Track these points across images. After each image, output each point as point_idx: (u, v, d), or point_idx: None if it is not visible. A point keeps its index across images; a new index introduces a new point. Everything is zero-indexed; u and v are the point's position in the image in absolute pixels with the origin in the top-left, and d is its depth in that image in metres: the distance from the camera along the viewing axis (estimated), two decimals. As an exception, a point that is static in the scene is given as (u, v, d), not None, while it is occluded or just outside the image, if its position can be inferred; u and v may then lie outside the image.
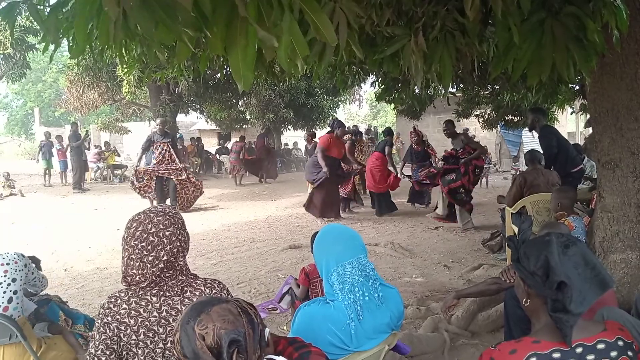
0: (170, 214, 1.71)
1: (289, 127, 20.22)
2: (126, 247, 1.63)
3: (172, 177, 9.49)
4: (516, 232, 4.94)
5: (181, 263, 1.70)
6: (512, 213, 5.00)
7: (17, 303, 2.42)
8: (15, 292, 2.42)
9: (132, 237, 1.63)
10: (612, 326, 1.38)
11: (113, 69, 13.81)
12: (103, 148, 18.82)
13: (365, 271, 1.87)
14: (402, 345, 2.20)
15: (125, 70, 10.86)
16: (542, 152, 5.67)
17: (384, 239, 6.82)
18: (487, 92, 9.23)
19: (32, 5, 2.16)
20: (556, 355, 1.30)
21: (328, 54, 2.12)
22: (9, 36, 14.40)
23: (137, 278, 1.62)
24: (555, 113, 10.74)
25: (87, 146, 17.00)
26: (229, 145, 23.53)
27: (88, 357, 1.61)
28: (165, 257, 1.63)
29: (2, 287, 2.40)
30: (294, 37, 1.51)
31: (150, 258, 1.61)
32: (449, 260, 5.64)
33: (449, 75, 2.76)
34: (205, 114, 18.99)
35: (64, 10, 2.23)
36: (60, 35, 2.39)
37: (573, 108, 12.55)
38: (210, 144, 26.06)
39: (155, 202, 9.79)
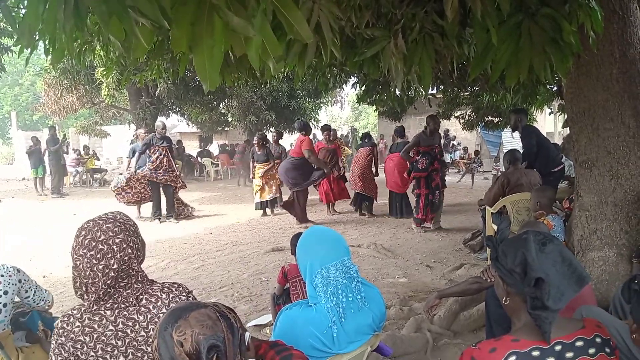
0: (120, 220, 1.65)
1: (271, 129, 20.17)
2: (75, 256, 1.57)
3: (169, 183, 9.04)
4: (495, 232, 4.99)
5: (136, 269, 1.64)
6: (492, 213, 5.05)
7: (5, 316, 2.37)
8: (4, 305, 2.37)
9: (80, 246, 1.57)
10: (590, 324, 1.40)
11: (92, 72, 13.61)
12: (82, 152, 18.54)
13: (349, 273, 1.87)
14: (384, 347, 2.20)
15: (104, 72, 10.72)
16: (523, 151, 5.74)
17: (367, 240, 6.84)
18: (467, 94, 9.33)
19: (5, 7, 2.12)
20: (535, 353, 1.31)
21: (309, 55, 2.11)
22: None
23: (89, 288, 1.56)
24: (534, 114, 10.89)
25: (66, 150, 16.72)
26: (211, 147, 23.44)
27: None
28: (115, 266, 1.56)
29: None
30: (265, 36, 1.48)
31: (100, 267, 1.55)
32: (431, 260, 5.67)
33: (428, 77, 2.77)
34: (186, 116, 18.86)
35: (39, 12, 2.18)
36: (37, 38, 2.34)
37: (551, 109, 12.74)
38: (192, 147, 25.87)
39: (139, 208, 9.62)
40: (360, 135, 13.05)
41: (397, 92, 7.22)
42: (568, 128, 4.30)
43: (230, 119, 19.67)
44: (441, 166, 7.65)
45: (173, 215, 9.22)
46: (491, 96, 8.75)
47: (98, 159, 19.33)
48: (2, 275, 2.41)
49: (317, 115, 20.58)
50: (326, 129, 9.72)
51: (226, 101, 17.91)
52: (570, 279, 1.36)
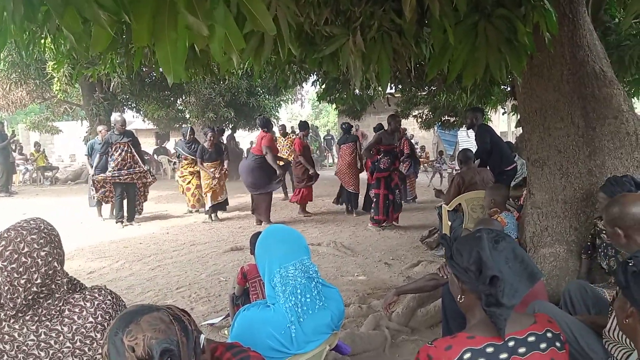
0: (45, 230, 1.54)
1: (230, 126, 19.95)
2: None
3: (135, 182, 8.37)
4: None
5: (58, 283, 1.54)
6: (448, 210, 5.14)
7: None
8: None
9: (0, 258, 1.45)
10: (541, 319, 1.43)
11: (42, 66, 13.08)
12: (26, 154, 17.83)
13: (308, 273, 1.85)
14: (342, 345, 2.20)
15: (55, 66, 10.32)
16: (476, 149, 5.88)
17: (327, 238, 6.85)
18: (424, 93, 9.48)
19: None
20: (490, 349, 1.33)
21: (267, 49, 2.08)
22: None
23: (6, 302, 1.46)
24: (489, 113, 11.18)
25: (14, 148, 16.03)
26: (168, 145, 22.99)
27: None
28: (39, 280, 1.47)
29: None
30: (229, 29, 1.45)
31: (22, 281, 1.45)
32: (390, 257, 5.73)
33: (386, 75, 2.79)
34: (142, 112, 18.39)
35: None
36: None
37: (505, 109, 13.10)
38: (148, 144, 25.27)
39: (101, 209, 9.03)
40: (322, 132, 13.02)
41: (357, 90, 7.26)
42: (521, 127, 4.43)
43: (187, 116, 19.32)
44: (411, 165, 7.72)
45: (133, 218, 8.59)
46: (448, 96, 8.92)
47: (46, 159, 18.56)
48: None
49: (277, 113, 20.46)
50: (305, 127, 9.39)
51: (184, 97, 17.55)
52: (522, 275, 1.39)
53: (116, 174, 8.14)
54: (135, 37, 1.41)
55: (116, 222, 8.44)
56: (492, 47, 2.50)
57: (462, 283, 1.43)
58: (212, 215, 8.67)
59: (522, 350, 1.34)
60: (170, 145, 23.26)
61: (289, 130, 15.68)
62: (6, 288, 1.45)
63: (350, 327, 3.52)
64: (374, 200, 7.44)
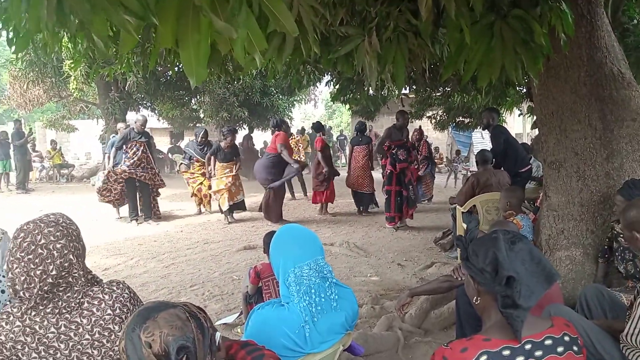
0: (63, 224, 1.57)
1: (244, 126, 20.03)
2: (12, 259, 1.50)
3: (148, 181, 8.39)
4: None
5: (76, 276, 1.57)
6: (462, 212, 5.11)
7: None
8: None
9: (18, 249, 1.49)
10: (558, 322, 1.42)
11: (59, 65, 13.26)
12: (43, 152, 18.11)
13: (323, 273, 1.86)
14: (356, 346, 2.20)
15: (72, 65, 10.42)
16: (491, 151, 5.84)
17: (340, 238, 6.85)
18: (439, 94, 9.43)
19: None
20: (506, 352, 1.32)
21: (288, 49, 2.09)
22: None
23: (24, 294, 1.49)
24: (504, 115, 11.08)
25: (32, 145, 16.28)
26: (182, 144, 23.15)
27: None
28: (54, 272, 1.50)
29: None
30: (251, 30, 1.46)
31: (37, 272, 1.48)
32: (403, 258, 5.72)
33: (402, 76, 2.78)
34: (156, 111, 18.54)
35: (2, 1, 2.11)
36: (-1, 27, 2.26)
37: (520, 110, 13.00)
38: (163, 143, 25.48)
39: (119, 208, 8.95)
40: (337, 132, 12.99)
41: (371, 91, 7.24)
42: (537, 129, 4.39)
43: (202, 115, 19.44)
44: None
45: (151, 216, 8.60)
46: (462, 97, 8.88)
47: (63, 156, 18.77)
48: (4, 277, 2.37)
49: (290, 113, 20.52)
50: (320, 128, 9.42)
51: (198, 97, 17.68)
52: (539, 277, 1.38)
53: (132, 170, 8.21)
54: (160, 39, 1.43)
55: (131, 220, 8.51)
56: (507, 48, 2.48)
57: (478, 284, 1.43)
58: (229, 216, 8.48)
59: (538, 353, 1.33)
60: (184, 144, 23.42)
61: (295, 130, 15.85)
62: (22, 278, 1.48)
63: (363, 328, 3.52)
64: (386, 197, 7.42)
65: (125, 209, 8.94)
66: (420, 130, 10.21)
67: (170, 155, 20.41)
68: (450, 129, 15.92)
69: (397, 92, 7.63)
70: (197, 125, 21.32)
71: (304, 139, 16.32)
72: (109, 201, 8.59)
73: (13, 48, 2.48)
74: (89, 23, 1.39)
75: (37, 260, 1.48)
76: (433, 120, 12.32)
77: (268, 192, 8.12)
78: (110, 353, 1.56)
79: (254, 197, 11.34)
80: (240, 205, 8.63)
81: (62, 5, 1.40)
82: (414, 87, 7.97)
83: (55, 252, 1.51)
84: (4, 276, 2.48)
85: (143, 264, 5.85)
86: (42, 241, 1.50)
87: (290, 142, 11.68)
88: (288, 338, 1.77)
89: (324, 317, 1.83)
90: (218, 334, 1.33)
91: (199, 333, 1.23)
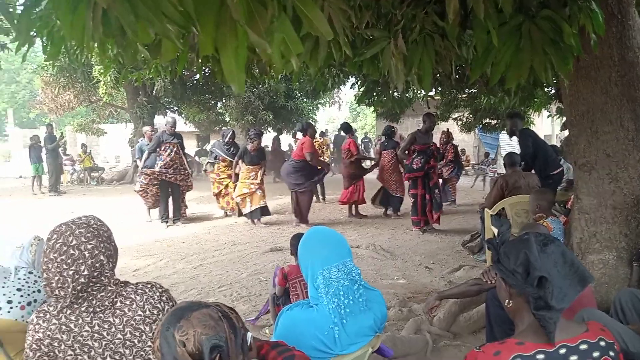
0: (94, 226, 1.62)
1: (269, 129, 20.19)
2: (45, 259, 1.55)
3: (179, 182, 8.54)
4: (495, 234, 5.00)
5: (108, 276, 1.62)
6: (491, 215, 5.05)
7: (33, 310, 2.38)
8: (35, 301, 2.39)
9: (51, 250, 1.55)
10: (594, 327, 1.39)
11: (89, 70, 13.59)
12: (73, 155, 18.56)
13: (351, 275, 1.86)
14: (385, 348, 2.20)
15: (102, 71, 10.65)
16: (520, 154, 5.76)
17: (366, 241, 6.84)
18: (464, 96, 9.34)
19: (2, 5, 2.11)
20: (540, 356, 1.30)
21: (322, 52, 2.10)
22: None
23: (58, 292, 1.54)
24: (532, 116, 10.91)
25: (64, 149, 16.70)
26: (208, 147, 23.46)
27: None
28: (86, 272, 1.55)
29: (32, 286, 2.40)
30: (287, 34, 1.48)
31: (70, 272, 1.53)
32: (430, 261, 5.68)
33: (428, 78, 2.77)
34: (183, 115, 18.82)
35: (36, 10, 2.18)
36: (34, 35, 2.33)
37: (549, 111, 12.76)
38: (190, 146, 25.81)
39: (150, 209, 9.12)
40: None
41: (396, 93, 7.22)
42: (567, 131, 4.31)
43: (227, 119, 19.66)
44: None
45: (180, 218, 8.74)
46: (489, 98, 8.77)
47: (92, 159, 19.19)
48: (41, 277, 2.46)
49: (314, 116, 20.59)
50: (349, 129, 9.41)
51: (224, 101, 17.89)
52: (572, 278, 1.36)
53: (163, 171, 8.32)
54: (200, 47, 1.46)
55: (161, 222, 8.64)
56: (536, 49, 2.45)
57: (510, 287, 1.42)
58: (255, 219, 8.47)
59: (573, 358, 1.31)
60: (209, 147, 23.71)
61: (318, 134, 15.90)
62: (56, 278, 1.53)
63: (390, 331, 3.51)
64: (412, 201, 7.37)
65: (155, 211, 9.10)
66: (447, 133, 10.11)
67: (197, 158, 20.68)
68: (476, 131, 15.74)
69: (422, 94, 7.62)
70: (223, 128, 21.59)
71: (325, 142, 16.41)
72: (147, 202, 8.78)
73: (47, 55, 2.57)
74: (134, 33, 1.43)
75: (69, 261, 1.54)
76: (459, 122, 12.21)
77: (295, 195, 8.16)
78: (142, 353, 1.59)
79: (279, 199, 11.42)
80: (264, 211, 8.57)
81: (107, 17, 1.44)
82: (440, 89, 7.91)
83: (86, 252, 1.56)
84: (39, 277, 2.57)
85: (172, 265, 5.94)
86: (74, 242, 1.55)
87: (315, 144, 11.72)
88: (317, 339, 1.78)
89: (353, 319, 1.83)
90: (249, 334, 1.35)
91: (231, 333, 1.25)
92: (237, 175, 8.59)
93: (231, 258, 6.20)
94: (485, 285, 2.75)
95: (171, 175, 8.40)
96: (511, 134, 6.06)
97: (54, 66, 13.86)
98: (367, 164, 10.49)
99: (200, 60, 3.81)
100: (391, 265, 5.61)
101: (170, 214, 8.79)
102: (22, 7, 2.15)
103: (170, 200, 8.76)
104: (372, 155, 23.00)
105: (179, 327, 1.22)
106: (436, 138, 8.81)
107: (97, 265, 1.57)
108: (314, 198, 11.08)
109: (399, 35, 2.70)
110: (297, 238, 3.35)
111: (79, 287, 1.54)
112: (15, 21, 2.13)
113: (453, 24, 2.50)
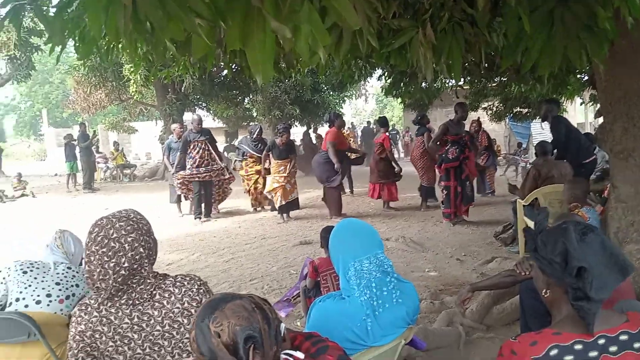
0: (134, 219, 1.66)
1: (296, 123, 20.24)
2: (88, 252, 1.60)
3: (212, 179, 8.55)
4: (528, 225, 4.91)
5: (147, 269, 1.65)
6: (524, 206, 4.96)
7: (71, 303, 2.47)
8: (74, 295, 2.49)
9: (93, 242, 1.59)
10: (634, 317, 1.36)
11: (119, 69, 13.86)
12: (106, 153, 19.01)
13: (383, 267, 1.86)
14: (418, 340, 2.19)
15: (132, 69, 10.84)
16: (552, 142, 5.64)
17: (395, 233, 6.80)
18: (494, 84, 9.17)
19: (37, 6, 2.16)
20: (578, 347, 1.28)
21: (346, 43, 2.09)
22: (12, 38, 14.53)
23: (99, 284, 1.58)
24: (564, 104, 10.64)
25: (96, 147, 17.11)
26: (235, 142, 23.70)
27: None
28: (126, 264, 1.58)
29: (71, 281, 2.50)
30: (314, 25, 1.48)
31: (111, 264, 1.57)
32: (461, 253, 5.61)
33: (458, 67, 2.74)
34: (211, 112, 19.01)
35: (68, 10, 2.23)
36: (66, 36, 2.38)
37: (582, 99, 12.44)
38: (218, 142, 26.10)
39: (180, 206, 9.35)
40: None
41: (424, 83, 7.13)
42: (601, 117, 4.19)
43: (255, 114, 19.79)
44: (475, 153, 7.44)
45: (210, 214, 8.79)
46: (520, 87, 8.59)
47: (125, 157, 19.61)
48: (78, 272, 2.57)
49: (341, 109, 20.54)
50: (385, 123, 9.21)
51: (251, 96, 18.00)
52: (612, 268, 1.33)
53: (195, 172, 8.31)
54: (228, 41, 1.47)
55: (195, 219, 8.72)
56: (570, 35, 2.39)
57: (548, 276, 1.39)
58: (284, 214, 8.37)
59: (613, 349, 1.28)
60: (237, 142, 23.93)
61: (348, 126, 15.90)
62: (98, 270, 1.57)
63: (422, 323, 3.49)
64: (444, 193, 7.25)
65: (185, 206, 9.25)
66: (478, 122, 9.97)
67: (226, 153, 20.91)
68: (507, 120, 15.45)
69: (451, 84, 7.49)
70: (251, 123, 21.77)
71: (351, 134, 16.38)
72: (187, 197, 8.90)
73: (79, 54, 2.63)
74: (163, 29, 1.45)
75: (110, 253, 1.57)
76: (489, 112, 12.00)
77: (325, 188, 8.20)
78: (180, 345, 1.63)
79: (308, 192, 11.44)
80: (294, 204, 8.51)
81: (137, 14, 1.47)
82: (469, 78, 7.78)
83: (126, 245, 1.59)
84: (77, 272, 2.64)
85: (204, 259, 6.04)
86: (115, 235, 1.59)
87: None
88: (350, 331, 1.78)
89: (386, 311, 1.83)
90: (283, 325, 1.36)
91: (265, 323, 1.26)
92: (267, 169, 8.53)
93: (261, 252, 6.26)
94: (519, 277, 2.70)
95: (204, 173, 8.38)
96: (544, 119, 5.93)
97: (86, 66, 14.17)
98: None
99: (228, 57, 3.84)
100: (421, 257, 5.57)
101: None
102: (54, 9, 2.20)
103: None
104: (400, 149, 22.86)
105: (213, 318, 1.24)
106: (466, 129, 8.62)
107: (137, 257, 1.61)
108: (346, 190, 11.09)
109: (428, 24, 2.66)
110: (327, 231, 3.35)
111: (119, 279, 1.58)
112: (49, 22, 2.18)
113: (483, 11, 2.46)
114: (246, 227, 8.07)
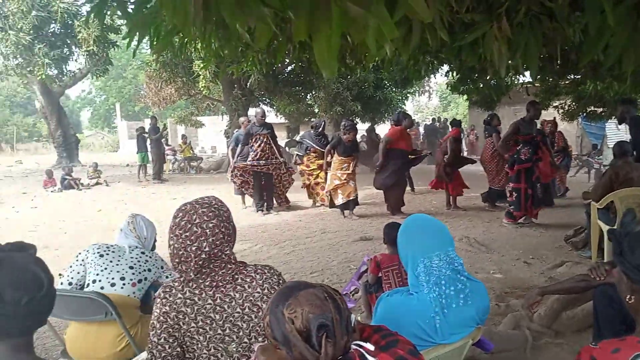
0: (215, 206, 1.72)
1: (357, 119, 20.20)
2: (171, 236, 1.67)
3: (272, 172, 8.69)
4: (602, 229, 4.67)
5: (227, 253, 1.71)
6: (598, 209, 4.73)
7: (142, 287, 2.63)
8: (146, 279, 2.65)
9: (177, 227, 1.66)
10: None
11: (189, 65, 14.33)
12: (174, 146, 19.78)
13: (453, 265, 1.83)
14: (485, 341, 2.15)
15: (202, 65, 11.21)
16: (632, 143, 5.33)
17: (459, 233, 6.65)
18: (567, 82, 8.76)
19: (120, 1, 2.27)
20: (665, 356, 1.21)
21: (415, 37, 2.07)
22: (92, 34, 15.34)
23: (181, 267, 1.66)
24: (644, 103, 10.02)
25: (166, 140, 17.81)
26: (297, 137, 23.96)
27: (150, 345, 1.67)
28: (207, 249, 1.65)
29: (143, 265, 2.66)
30: (382, 18, 1.47)
31: (193, 248, 1.64)
32: (529, 256, 5.42)
33: (535, 62, 2.64)
34: (275, 107, 19.32)
35: (148, 6, 2.33)
36: (145, 31, 2.49)
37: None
38: (280, 137, 26.47)
39: (244, 198, 9.49)
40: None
41: (493, 80, 6.92)
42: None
43: (316, 110, 19.93)
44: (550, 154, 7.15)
45: (272, 207, 8.96)
46: (595, 84, 8.15)
47: (192, 150, 20.29)
48: (151, 257, 2.74)
49: (403, 106, 20.30)
50: (459, 124, 9.17)
51: (313, 92, 18.13)
52: None
53: (255, 163, 8.49)
54: (294, 32, 1.48)
55: (257, 211, 8.91)
56: (657, 29, 2.25)
57: (633, 282, 1.32)
58: (345, 212, 8.31)
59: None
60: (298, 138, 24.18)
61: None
62: (180, 253, 1.65)
63: (487, 325, 3.40)
64: (514, 195, 6.96)
65: (249, 199, 9.44)
66: (554, 122, 9.55)
67: (287, 149, 21.20)
68: (579, 120, 14.74)
69: (520, 81, 7.22)
70: (312, 119, 21.95)
71: (414, 133, 16.17)
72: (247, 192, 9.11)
73: (154, 48, 2.73)
74: (231, 17, 1.47)
75: (192, 237, 1.65)
76: (560, 111, 11.49)
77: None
78: (257, 328, 1.68)
79: (368, 189, 11.39)
80: (354, 203, 8.38)
81: (207, 2, 1.51)
82: (540, 75, 7.47)
83: (208, 230, 1.66)
84: (150, 256, 2.76)
85: (266, 250, 6.17)
86: (197, 220, 1.66)
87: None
88: (418, 327, 1.77)
89: (455, 309, 1.80)
90: (353, 316, 1.38)
91: (337, 313, 1.28)
92: (328, 164, 8.54)
93: (322, 245, 6.31)
94: (593, 282, 2.57)
95: (263, 165, 8.54)
96: (621, 120, 5.61)
97: (157, 62, 14.76)
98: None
99: (297, 51, 3.89)
100: (486, 259, 5.43)
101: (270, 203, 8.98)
102: (133, 4, 2.31)
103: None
104: (464, 147, 22.25)
105: (287, 304, 1.27)
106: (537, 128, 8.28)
107: (217, 242, 1.67)
108: (408, 188, 10.93)
109: (503, 18, 2.58)
110: (391, 227, 3.34)
111: (200, 262, 1.65)
112: (130, 17, 2.29)
113: (563, 4, 2.37)
114: (307, 220, 8.16)
